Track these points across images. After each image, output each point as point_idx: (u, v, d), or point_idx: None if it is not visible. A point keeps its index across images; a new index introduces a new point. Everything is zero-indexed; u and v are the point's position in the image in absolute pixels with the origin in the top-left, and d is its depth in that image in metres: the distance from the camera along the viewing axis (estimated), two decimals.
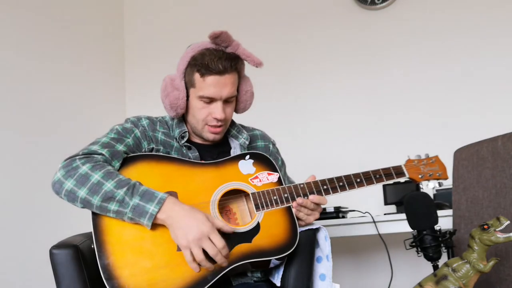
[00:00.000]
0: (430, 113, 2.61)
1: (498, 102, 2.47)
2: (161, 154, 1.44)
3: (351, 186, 1.43)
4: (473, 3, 2.60)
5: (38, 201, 2.45)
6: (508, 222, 1.20)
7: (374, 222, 2.12)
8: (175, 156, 1.46)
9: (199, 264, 1.22)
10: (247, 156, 1.44)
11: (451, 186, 1.70)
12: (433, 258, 1.35)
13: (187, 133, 1.51)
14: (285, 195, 1.39)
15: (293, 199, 1.39)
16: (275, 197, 1.38)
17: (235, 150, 1.55)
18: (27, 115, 2.51)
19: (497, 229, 1.20)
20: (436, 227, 1.36)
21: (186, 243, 1.21)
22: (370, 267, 2.65)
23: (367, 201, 2.38)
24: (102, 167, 1.29)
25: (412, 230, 1.40)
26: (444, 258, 1.35)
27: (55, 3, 2.80)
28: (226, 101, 1.46)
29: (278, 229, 1.35)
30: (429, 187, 1.48)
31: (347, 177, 1.43)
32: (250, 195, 1.38)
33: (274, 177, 1.43)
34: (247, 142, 1.57)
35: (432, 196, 1.70)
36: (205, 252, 1.22)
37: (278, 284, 1.39)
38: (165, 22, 3.30)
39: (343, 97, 2.80)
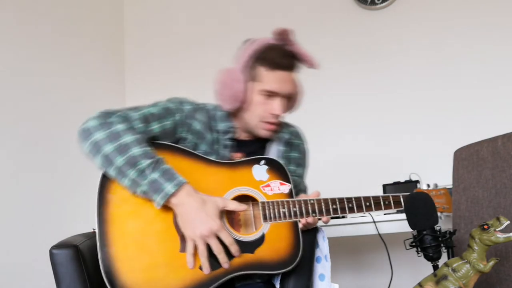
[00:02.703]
0: (430, 112, 2.61)
1: (498, 102, 2.47)
2: (178, 146, 1.38)
3: (359, 209, 1.41)
4: (473, 3, 2.60)
5: (38, 201, 2.45)
6: (508, 222, 1.19)
7: (374, 222, 2.12)
8: (190, 150, 1.39)
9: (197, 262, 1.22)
10: (262, 161, 1.41)
11: (451, 186, 1.69)
12: (433, 258, 1.35)
13: (233, 128, 1.47)
14: (294, 209, 1.36)
15: (301, 215, 1.36)
16: (283, 210, 1.36)
17: (272, 151, 1.54)
18: (28, 115, 2.51)
19: (497, 229, 1.19)
20: (436, 227, 1.36)
21: (193, 236, 1.21)
22: (370, 267, 2.65)
23: None
24: (136, 133, 1.27)
25: (412, 230, 1.39)
26: (444, 258, 1.34)
27: (55, 2, 2.80)
28: (285, 99, 1.46)
29: (282, 243, 1.33)
30: None
31: (357, 199, 1.42)
32: (260, 204, 1.36)
33: (285, 187, 1.40)
34: (292, 137, 1.57)
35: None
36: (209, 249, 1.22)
37: (278, 285, 1.38)
38: (165, 22, 3.30)
39: (343, 97, 2.80)
